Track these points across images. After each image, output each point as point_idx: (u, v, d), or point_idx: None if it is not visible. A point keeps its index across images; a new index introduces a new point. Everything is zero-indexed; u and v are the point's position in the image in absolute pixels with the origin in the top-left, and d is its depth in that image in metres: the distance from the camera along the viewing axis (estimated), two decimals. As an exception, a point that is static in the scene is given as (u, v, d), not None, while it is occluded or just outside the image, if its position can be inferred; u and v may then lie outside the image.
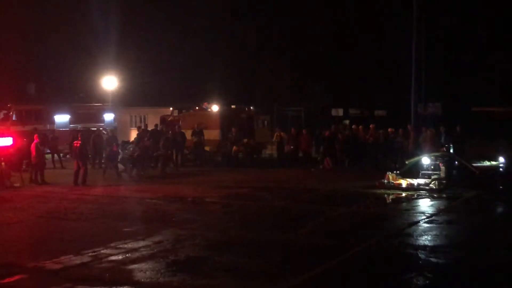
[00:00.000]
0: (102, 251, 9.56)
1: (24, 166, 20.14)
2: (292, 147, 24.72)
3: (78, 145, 18.88)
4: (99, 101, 33.47)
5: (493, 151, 21.16)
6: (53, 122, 28.15)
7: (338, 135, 23.47)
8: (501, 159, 20.22)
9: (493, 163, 20.44)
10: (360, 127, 24.33)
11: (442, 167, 17.20)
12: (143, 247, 9.89)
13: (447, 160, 17.60)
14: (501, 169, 19.70)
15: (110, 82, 34.19)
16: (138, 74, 40.89)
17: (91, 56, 38.30)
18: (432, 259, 9.06)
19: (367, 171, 20.18)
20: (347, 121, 27.12)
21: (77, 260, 9.04)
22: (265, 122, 30.98)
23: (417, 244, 10.14)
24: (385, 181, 17.35)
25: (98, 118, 30.15)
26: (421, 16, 23.40)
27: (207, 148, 26.79)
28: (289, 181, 19.18)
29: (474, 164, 18.82)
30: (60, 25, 40.04)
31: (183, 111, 31.80)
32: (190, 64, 45.78)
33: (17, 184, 18.38)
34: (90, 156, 23.54)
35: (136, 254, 9.40)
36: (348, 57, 44.71)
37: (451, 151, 18.68)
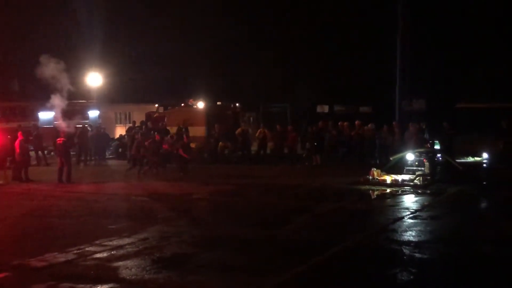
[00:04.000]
0: (87, 249, 9.51)
1: (8, 164, 19.99)
2: (275, 143, 24.86)
3: (61, 142, 18.73)
4: (83, 98, 33.17)
5: (477, 147, 21.36)
6: (37, 119, 27.97)
7: (327, 132, 23.58)
8: (485, 155, 20.43)
9: (477, 159, 20.66)
10: (346, 123, 24.43)
11: (426, 163, 17.35)
12: (128, 244, 9.84)
13: (431, 156, 17.75)
14: (484, 165, 19.91)
15: (94, 78, 33.80)
16: (123, 70, 40.62)
17: (75, 53, 38.00)
18: (417, 255, 9.12)
19: (352, 167, 20.26)
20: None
21: (61, 257, 8.97)
22: (251, 118, 31.02)
23: (401, 239, 10.20)
24: (370, 177, 17.44)
25: (83, 115, 29.98)
26: (405, 14, 23.58)
27: (192, 145, 26.72)
28: (275, 178, 19.22)
29: (458, 160, 19.00)
30: (44, 21, 39.71)
31: (169, 107, 31.73)
32: (176, 60, 45.61)
33: (1, 182, 18.24)
34: (74, 153, 23.56)
35: (121, 251, 9.35)
36: (333, 54, 44.77)
37: (439, 147, 18.81)
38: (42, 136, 24.58)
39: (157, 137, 21.21)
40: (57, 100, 21.50)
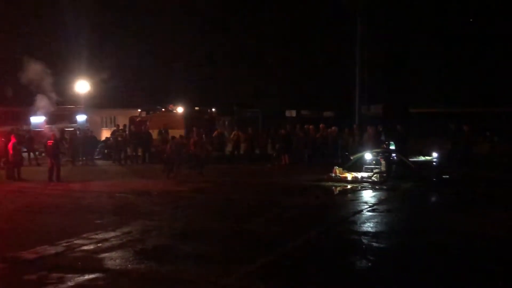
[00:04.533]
0: (75, 242, 9.39)
1: (1, 164, 19.68)
2: (247, 145, 24.89)
3: (51, 144, 18.55)
4: (72, 103, 32.85)
5: (428, 147, 21.61)
6: (29, 123, 27.64)
7: (295, 134, 23.67)
8: (435, 154, 20.68)
9: (428, 158, 20.87)
10: (311, 126, 24.55)
11: (383, 162, 17.50)
12: (113, 237, 9.76)
13: (387, 155, 17.91)
14: (434, 163, 20.14)
15: (82, 86, 33.69)
16: (109, 78, 40.32)
17: (65, 62, 37.66)
18: (374, 244, 9.18)
19: (317, 166, 20.35)
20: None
21: (52, 250, 8.85)
22: (226, 122, 31.01)
23: (360, 230, 10.28)
24: (333, 174, 17.57)
25: (72, 119, 29.66)
26: (364, 29, 23.79)
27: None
28: (247, 176, 19.23)
29: (411, 159, 19.19)
30: (34, 31, 39.20)
31: (151, 112, 31.52)
32: (157, 68, 45.45)
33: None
34: (65, 153, 23.34)
35: (107, 244, 9.27)
36: (300, 64, 45.06)
37: (394, 147, 18.98)
38: (33, 139, 24.36)
39: (179, 139, 21.07)
40: (43, 103, 21.31)
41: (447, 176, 17.61)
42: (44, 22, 40.06)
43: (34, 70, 21.34)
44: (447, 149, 22.37)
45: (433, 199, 14.88)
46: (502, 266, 7.82)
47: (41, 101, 22.98)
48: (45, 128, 26.08)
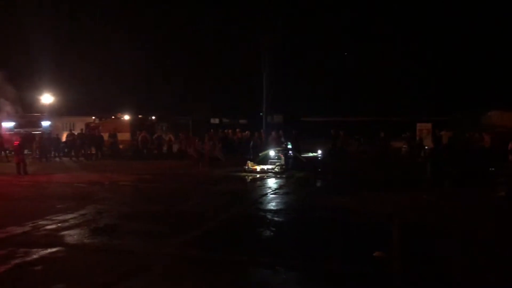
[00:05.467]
0: (39, 222, 8.88)
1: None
2: (180, 145, 24.71)
3: (17, 144, 17.49)
4: (38, 111, 31.28)
5: (315, 146, 22.34)
6: (0, 127, 25.93)
7: (217, 136, 23.62)
8: (320, 152, 21.44)
9: (315, 154, 21.60)
10: (230, 130, 24.66)
11: (282, 157, 17.87)
12: (72, 218, 9.31)
13: (286, 152, 18.31)
14: (319, 158, 20.89)
15: (47, 98, 32.42)
16: (68, 90, 38.57)
17: (32, 77, 35.86)
18: (276, 219, 9.36)
19: (234, 161, 20.42)
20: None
21: (19, 229, 8.32)
22: (163, 127, 30.54)
23: (266, 209, 10.43)
24: (246, 167, 17.71)
25: (37, 125, 28.13)
26: (269, 52, 24.15)
27: (121, 146, 25.88)
28: (181, 169, 18.96)
29: (303, 155, 19.75)
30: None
31: (103, 119, 30.64)
32: (107, 83, 44.23)
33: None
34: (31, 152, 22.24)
35: (66, 224, 8.83)
36: (220, 82, 45.32)
37: (289, 146, 19.42)
38: (4, 140, 23.15)
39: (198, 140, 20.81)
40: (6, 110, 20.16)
41: (328, 168, 18.21)
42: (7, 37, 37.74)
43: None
44: (328, 148, 23.26)
45: (319, 184, 15.20)
46: (373, 230, 8.27)
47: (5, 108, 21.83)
48: (15, 131, 24.50)
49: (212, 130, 24.41)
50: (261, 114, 25.05)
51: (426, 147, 20.89)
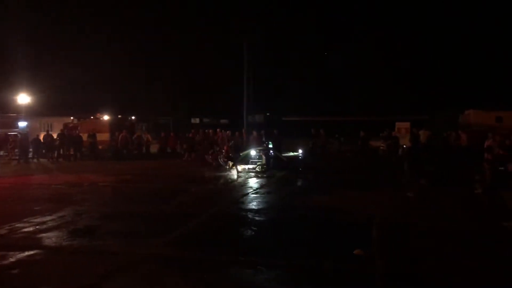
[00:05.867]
0: (16, 225, 8.69)
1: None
2: (160, 145, 24.61)
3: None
4: (14, 112, 30.64)
5: (295, 146, 22.45)
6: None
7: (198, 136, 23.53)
8: (300, 151, 21.56)
9: (295, 153, 21.73)
10: (211, 130, 24.58)
11: (264, 157, 17.91)
12: (50, 220, 9.15)
13: (267, 152, 18.35)
14: (300, 157, 21.01)
15: (23, 98, 31.70)
16: (46, 90, 37.84)
17: (8, 78, 35.17)
18: (257, 218, 9.38)
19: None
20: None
21: (-4, 233, 8.15)
22: (143, 127, 30.30)
23: (247, 208, 10.44)
24: (227, 167, 17.68)
25: (14, 125, 27.57)
26: (250, 57, 24.17)
27: (100, 147, 25.53)
28: (161, 169, 18.82)
29: (284, 154, 19.84)
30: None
31: (81, 119, 30.18)
32: (86, 83, 43.49)
33: None
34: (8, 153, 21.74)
35: (44, 226, 8.67)
36: (201, 84, 45.19)
37: (272, 146, 19.49)
38: None
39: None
40: None
41: (308, 167, 18.33)
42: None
43: None
44: (308, 147, 23.41)
45: (299, 183, 15.24)
46: (353, 228, 8.37)
47: None
48: None
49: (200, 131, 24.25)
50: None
51: (404, 146, 21.21)
